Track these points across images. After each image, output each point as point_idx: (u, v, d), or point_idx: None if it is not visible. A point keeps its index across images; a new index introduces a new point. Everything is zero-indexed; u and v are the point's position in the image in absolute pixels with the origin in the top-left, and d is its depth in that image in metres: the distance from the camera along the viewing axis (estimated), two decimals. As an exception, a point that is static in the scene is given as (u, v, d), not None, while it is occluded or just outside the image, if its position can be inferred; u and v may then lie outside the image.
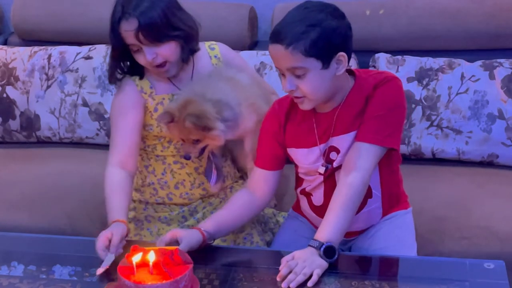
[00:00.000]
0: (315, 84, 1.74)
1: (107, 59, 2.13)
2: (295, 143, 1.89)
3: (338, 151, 1.84)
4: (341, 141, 1.83)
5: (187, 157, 2.00)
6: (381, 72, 1.88)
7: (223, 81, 2.03)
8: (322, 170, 1.86)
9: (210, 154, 2.07)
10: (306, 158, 1.88)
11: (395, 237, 1.93)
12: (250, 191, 1.94)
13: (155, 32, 1.95)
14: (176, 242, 1.75)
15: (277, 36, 1.73)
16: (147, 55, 1.97)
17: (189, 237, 1.77)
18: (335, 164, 1.85)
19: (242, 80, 2.07)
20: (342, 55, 1.73)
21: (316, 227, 1.86)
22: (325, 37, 1.70)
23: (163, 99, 2.08)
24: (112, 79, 2.09)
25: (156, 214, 2.17)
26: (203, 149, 2.01)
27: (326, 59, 1.72)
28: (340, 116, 1.82)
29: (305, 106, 1.80)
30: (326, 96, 1.80)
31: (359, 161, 1.78)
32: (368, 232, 1.96)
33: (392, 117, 1.81)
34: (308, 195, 1.95)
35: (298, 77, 1.73)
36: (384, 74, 1.86)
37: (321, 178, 1.88)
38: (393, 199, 1.96)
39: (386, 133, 1.79)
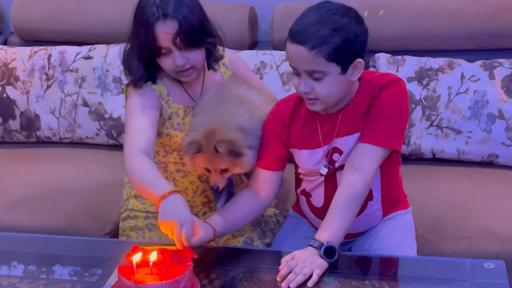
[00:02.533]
0: (331, 88, 1.73)
1: (118, 60, 2.03)
2: (298, 144, 1.89)
3: (341, 152, 1.84)
4: (344, 142, 1.83)
5: (216, 188, 1.92)
6: (386, 74, 1.88)
7: (236, 104, 1.96)
8: (324, 171, 1.86)
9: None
10: (309, 160, 1.88)
11: (395, 237, 1.93)
12: (253, 191, 1.93)
13: (192, 37, 1.90)
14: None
15: (300, 37, 1.70)
16: (179, 60, 1.90)
17: (202, 234, 1.73)
18: (337, 165, 1.85)
19: (254, 99, 2.00)
20: (359, 61, 1.73)
21: (316, 228, 1.86)
22: (348, 43, 1.69)
23: (178, 109, 2.02)
24: (141, 82, 1.97)
25: (157, 223, 2.15)
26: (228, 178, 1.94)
27: (345, 65, 1.72)
28: (345, 117, 1.82)
29: (316, 107, 1.80)
30: (337, 100, 1.80)
31: (362, 162, 1.78)
32: (367, 233, 1.96)
33: (396, 119, 1.81)
34: (307, 195, 1.95)
35: (315, 79, 1.72)
36: (389, 76, 1.86)
37: (322, 178, 1.88)
38: (393, 201, 1.96)
39: (390, 135, 1.79)
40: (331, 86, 1.73)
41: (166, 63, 1.94)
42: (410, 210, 2.03)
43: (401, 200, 2.01)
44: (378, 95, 1.80)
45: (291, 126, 1.89)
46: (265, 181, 1.93)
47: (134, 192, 2.16)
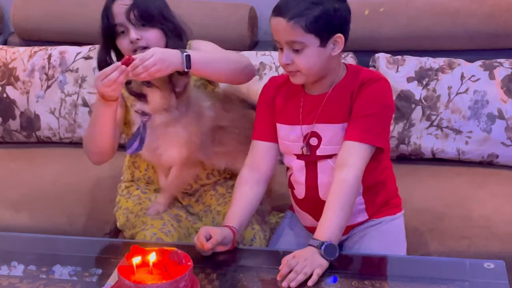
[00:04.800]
0: (310, 60, 1.79)
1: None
2: (281, 118, 1.93)
3: (319, 138, 1.87)
4: (323, 129, 1.86)
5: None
6: (370, 72, 1.92)
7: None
8: (300, 151, 1.88)
9: (141, 125, 2.02)
10: (287, 135, 1.91)
11: (380, 244, 1.91)
12: (252, 169, 1.96)
13: (146, 14, 2.00)
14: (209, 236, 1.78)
15: (280, 9, 1.79)
16: (133, 34, 1.99)
17: (218, 234, 1.78)
18: (317, 153, 1.87)
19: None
20: (339, 36, 1.79)
21: (305, 226, 1.87)
22: (326, 16, 1.76)
23: None
24: (100, 65, 2.09)
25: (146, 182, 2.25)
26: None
27: (324, 38, 1.77)
28: (327, 104, 1.86)
29: (297, 80, 1.85)
30: (319, 74, 1.84)
31: (350, 159, 1.80)
32: (353, 237, 1.96)
33: (381, 117, 1.84)
34: (292, 187, 1.98)
35: (296, 51, 1.78)
36: (372, 73, 1.90)
37: (302, 163, 1.90)
38: (379, 199, 1.96)
39: (376, 132, 1.82)
40: (311, 58, 1.78)
41: (124, 43, 2.03)
42: (400, 215, 2.01)
43: (391, 204, 1.99)
44: (360, 92, 1.83)
45: (276, 99, 1.95)
46: (263, 153, 1.96)
47: (126, 177, 2.27)
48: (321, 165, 1.89)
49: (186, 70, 1.89)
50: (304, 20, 1.75)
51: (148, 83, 1.95)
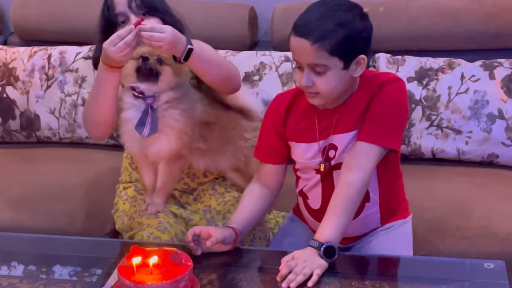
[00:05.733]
0: (332, 83, 1.73)
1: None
2: (296, 137, 1.89)
3: (336, 149, 1.83)
4: (341, 139, 1.82)
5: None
6: (385, 73, 1.88)
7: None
8: (321, 167, 1.85)
9: (148, 108, 1.99)
10: (304, 154, 1.88)
11: (389, 249, 1.89)
12: (260, 185, 1.95)
13: (148, 1, 2.01)
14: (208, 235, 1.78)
15: (304, 30, 1.70)
16: (133, 21, 1.97)
17: (219, 234, 1.78)
18: (332, 162, 1.84)
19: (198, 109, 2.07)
20: (362, 57, 1.73)
21: (314, 231, 1.86)
22: (351, 38, 1.70)
23: None
24: (95, 65, 2.07)
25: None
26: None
27: (348, 60, 1.72)
28: (343, 114, 1.82)
29: (316, 101, 1.80)
30: (339, 95, 1.80)
31: (359, 161, 1.77)
32: (363, 242, 1.95)
33: (393, 118, 1.80)
34: (305, 197, 1.94)
35: (317, 73, 1.73)
36: (388, 75, 1.85)
37: (318, 177, 1.88)
38: (392, 206, 1.94)
39: (387, 134, 1.78)
40: (332, 81, 1.73)
41: None
42: (409, 219, 1.99)
43: (401, 208, 1.98)
44: (377, 94, 1.79)
45: (288, 119, 1.90)
46: (269, 174, 1.95)
47: (124, 179, 2.27)
48: (337, 174, 1.84)
49: (182, 61, 1.90)
50: (329, 44, 1.67)
51: (160, 62, 1.95)
